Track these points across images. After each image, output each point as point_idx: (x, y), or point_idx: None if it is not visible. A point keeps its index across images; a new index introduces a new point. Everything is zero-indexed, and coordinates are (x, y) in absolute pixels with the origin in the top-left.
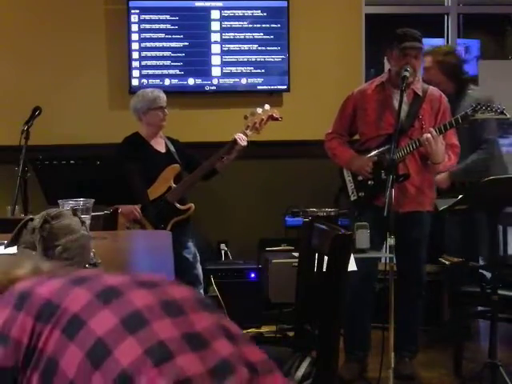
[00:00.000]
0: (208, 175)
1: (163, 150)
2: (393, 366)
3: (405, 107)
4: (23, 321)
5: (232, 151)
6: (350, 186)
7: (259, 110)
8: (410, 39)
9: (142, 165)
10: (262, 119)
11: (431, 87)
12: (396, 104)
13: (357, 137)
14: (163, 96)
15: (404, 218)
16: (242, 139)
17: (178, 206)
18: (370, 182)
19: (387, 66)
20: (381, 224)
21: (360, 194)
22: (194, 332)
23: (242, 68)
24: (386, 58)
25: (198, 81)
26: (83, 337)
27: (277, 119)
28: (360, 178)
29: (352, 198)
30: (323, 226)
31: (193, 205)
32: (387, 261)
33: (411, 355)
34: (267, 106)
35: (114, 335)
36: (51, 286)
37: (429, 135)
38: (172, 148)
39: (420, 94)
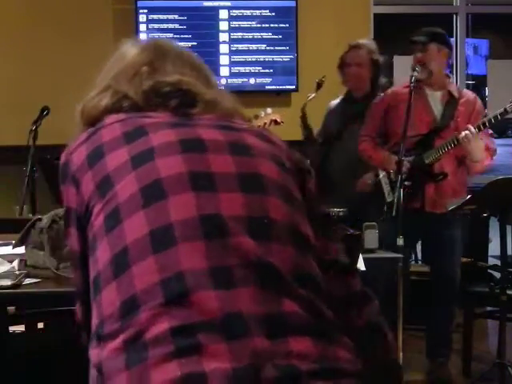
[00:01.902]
0: None
1: None
2: (401, 366)
3: (440, 108)
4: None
5: None
6: (386, 187)
7: (262, 114)
8: (416, 34)
9: None
10: (265, 123)
11: (466, 90)
12: (432, 105)
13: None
14: None
15: (440, 219)
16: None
17: None
18: (406, 183)
19: (396, 66)
20: (415, 225)
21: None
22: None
23: (251, 68)
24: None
25: None
26: None
27: (279, 123)
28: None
29: (388, 199)
30: None
31: None
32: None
33: (444, 359)
34: (269, 110)
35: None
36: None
37: (468, 132)
38: None
39: (456, 95)
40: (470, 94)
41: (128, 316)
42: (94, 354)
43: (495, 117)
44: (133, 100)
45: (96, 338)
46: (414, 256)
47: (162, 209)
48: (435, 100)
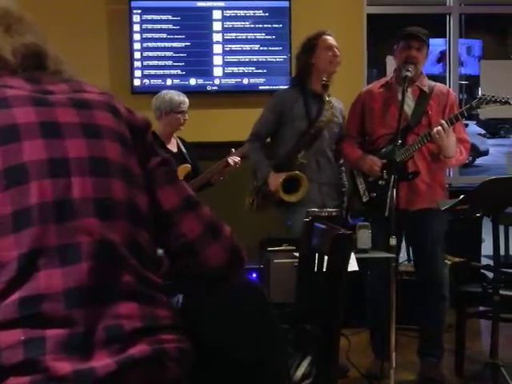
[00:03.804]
0: (202, 187)
1: (175, 150)
2: (394, 366)
3: (411, 104)
4: None
5: (224, 171)
6: (362, 187)
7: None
8: (414, 30)
9: None
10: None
11: (438, 84)
12: (400, 101)
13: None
14: (187, 101)
15: (416, 217)
16: (235, 163)
17: None
18: (380, 182)
19: (389, 66)
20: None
21: (372, 195)
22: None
23: (244, 68)
24: (393, 57)
25: (200, 81)
26: None
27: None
28: (371, 178)
29: (364, 199)
30: (323, 226)
31: None
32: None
33: (436, 359)
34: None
35: None
36: None
37: (440, 128)
38: (183, 148)
39: (426, 90)
40: (442, 88)
41: None
42: None
43: (461, 112)
44: None
45: None
46: (407, 255)
47: (23, 191)
48: (406, 97)
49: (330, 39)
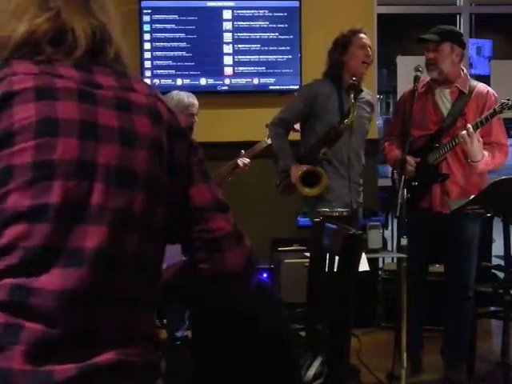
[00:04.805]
0: None
1: None
2: (405, 365)
3: (448, 105)
4: None
5: (233, 172)
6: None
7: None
8: (428, 32)
9: None
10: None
11: (480, 83)
12: (440, 103)
13: None
14: (197, 104)
15: (449, 220)
16: (245, 164)
17: None
18: (413, 183)
19: (400, 67)
20: (422, 226)
21: (407, 196)
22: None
23: (254, 68)
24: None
25: (210, 81)
26: None
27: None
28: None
29: (400, 200)
30: (334, 226)
31: None
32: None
33: (458, 362)
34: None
35: None
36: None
37: (464, 132)
38: None
39: (465, 91)
40: (482, 89)
41: None
42: None
43: (486, 117)
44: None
45: None
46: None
47: (46, 187)
48: (444, 98)
49: (365, 38)
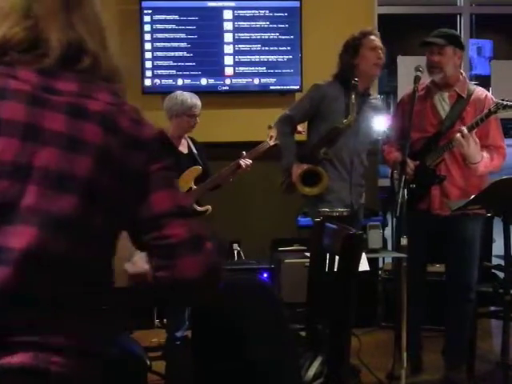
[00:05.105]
0: (212, 189)
1: (186, 151)
2: (405, 365)
3: (446, 108)
4: None
5: (235, 173)
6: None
7: (244, 153)
8: (432, 35)
9: None
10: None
11: (478, 88)
12: (438, 106)
13: None
14: (199, 105)
15: (448, 221)
16: (247, 165)
17: (196, 207)
18: (411, 186)
19: (400, 67)
20: (421, 227)
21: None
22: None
23: (255, 68)
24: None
25: (211, 81)
26: None
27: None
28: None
29: (400, 200)
30: (334, 226)
31: (210, 207)
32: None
33: (459, 362)
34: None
35: None
36: None
37: (458, 135)
38: (194, 149)
39: (464, 95)
40: (480, 93)
41: None
42: None
43: (481, 118)
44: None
45: None
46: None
47: None
48: (443, 101)
49: (377, 40)
